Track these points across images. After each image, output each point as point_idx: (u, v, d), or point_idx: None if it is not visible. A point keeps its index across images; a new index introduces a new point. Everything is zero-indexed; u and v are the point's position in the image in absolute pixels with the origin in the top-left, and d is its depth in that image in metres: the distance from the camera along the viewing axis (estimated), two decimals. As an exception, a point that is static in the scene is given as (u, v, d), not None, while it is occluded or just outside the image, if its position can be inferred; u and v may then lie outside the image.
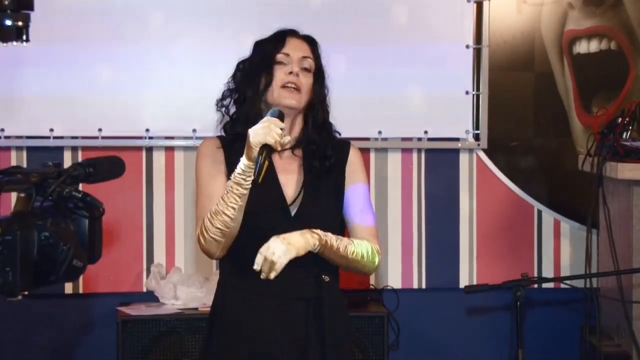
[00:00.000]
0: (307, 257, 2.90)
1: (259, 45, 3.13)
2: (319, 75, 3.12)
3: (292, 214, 3.00)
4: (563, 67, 5.11)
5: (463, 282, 5.07)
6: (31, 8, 1.83)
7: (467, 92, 5.01)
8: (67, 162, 4.87)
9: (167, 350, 4.57)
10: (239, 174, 2.85)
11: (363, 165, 3.16)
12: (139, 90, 4.88)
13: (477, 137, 5.05)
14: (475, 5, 5.01)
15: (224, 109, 3.12)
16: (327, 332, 2.97)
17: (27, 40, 1.82)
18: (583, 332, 4.70)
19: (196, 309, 4.69)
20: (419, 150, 5.08)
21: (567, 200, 5.14)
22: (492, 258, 5.09)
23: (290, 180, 3.05)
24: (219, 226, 2.88)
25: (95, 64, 4.83)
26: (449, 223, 5.10)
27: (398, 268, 5.08)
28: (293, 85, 3.02)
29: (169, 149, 4.96)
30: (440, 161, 5.07)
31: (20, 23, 1.82)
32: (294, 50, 3.07)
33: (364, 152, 4.72)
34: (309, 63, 3.08)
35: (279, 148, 2.88)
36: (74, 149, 4.90)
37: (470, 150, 5.08)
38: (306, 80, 3.05)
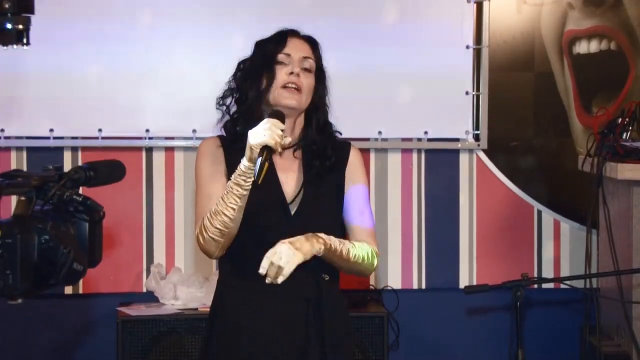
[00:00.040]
0: (308, 257, 2.91)
1: (260, 45, 3.12)
2: (319, 75, 3.11)
3: (292, 212, 3.00)
4: (563, 67, 5.11)
5: (463, 282, 5.07)
6: (32, 11, 1.84)
7: (467, 93, 5.01)
8: (67, 162, 4.88)
9: (167, 350, 4.57)
10: (239, 175, 2.85)
11: (363, 166, 3.16)
12: (139, 90, 4.89)
13: (477, 138, 5.06)
14: (475, 5, 5.01)
15: (224, 108, 3.12)
16: (327, 332, 2.97)
17: (28, 43, 1.82)
18: (583, 332, 4.71)
19: (196, 309, 4.69)
20: (419, 151, 5.08)
21: (567, 200, 5.14)
22: (492, 258, 5.09)
23: (290, 179, 3.05)
24: (218, 226, 2.88)
25: (95, 64, 4.83)
26: (449, 223, 5.10)
27: (398, 268, 5.08)
28: (294, 86, 3.02)
29: (169, 149, 4.97)
30: (440, 161, 5.08)
31: (20, 26, 1.82)
32: (295, 50, 3.07)
33: (364, 152, 4.73)
34: (310, 63, 3.08)
35: (280, 149, 2.88)
36: (74, 149, 4.90)
37: (470, 151, 5.08)
38: (307, 81, 3.05)
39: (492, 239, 5.11)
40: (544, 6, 5.09)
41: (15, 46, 1.81)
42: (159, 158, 4.96)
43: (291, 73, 3.02)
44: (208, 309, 3.16)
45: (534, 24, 5.10)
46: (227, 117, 3.11)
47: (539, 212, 5.15)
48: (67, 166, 4.80)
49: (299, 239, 2.87)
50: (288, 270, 2.82)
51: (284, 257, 2.82)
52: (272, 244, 2.88)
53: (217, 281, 3.12)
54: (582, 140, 5.00)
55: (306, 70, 3.06)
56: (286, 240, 2.85)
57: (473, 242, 5.10)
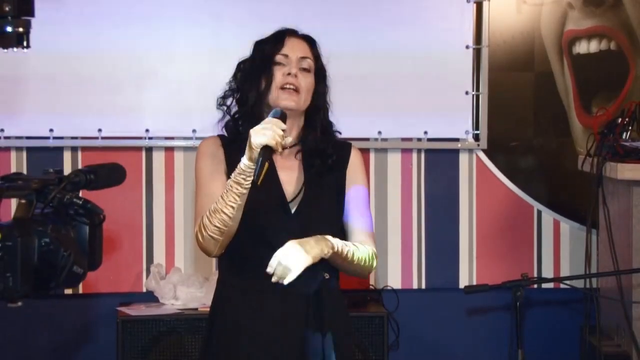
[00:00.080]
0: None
1: (258, 45, 3.11)
2: (319, 74, 3.11)
3: (292, 211, 3.00)
4: (563, 67, 5.11)
5: (463, 282, 5.07)
6: (32, 14, 1.84)
7: (467, 92, 5.01)
8: (67, 162, 4.88)
9: (167, 350, 4.57)
10: (238, 173, 2.84)
11: (364, 167, 3.16)
12: (139, 90, 4.89)
13: (477, 138, 5.05)
14: (475, 5, 5.01)
15: (225, 108, 3.11)
16: (327, 331, 2.97)
17: (28, 46, 1.82)
18: (583, 332, 4.71)
19: (196, 309, 4.69)
20: (419, 151, 5.08)
21: (567, 200, 5.14)
22: (492, 258, 5.09)
23: (290, 178, 3.05)
24: (218, 224, 2.87)
25: (95, 64, 4.83)
26: (449, 223, 5.10)
27: (398, 268, 5.08)
28: (292, 87, 3.01)
29: (169, 149, 4.97)
30: (440, 161, 5.08)
31: (20, 29, 1.82)
32: (293, 50, 3.06)
33: (364, 152, 4.73)
34: (308, 63, 3.07)
35: (280, 149, 2.87)
36: (74, 149, 4.90)
37: (470, 151, 5.08)
38: (305, 81, 3.04)
39: (492, 239, 5.11)
40: (544, 6, 5.09)
41: (15, 49, 1.81)
42: (158, 158, 4.96)
43: (289, 74, 3.02)
44: (208, 309, 3.16)
45: (534, 24, 5.09)
46: (227, 117, 3.11)
47: (539, 212, 5.15)
48: (67, 166, 4.84)
49: (309, 242, 2.87)
50: (296, 272, 2.81)
51: (293, 259, 2.82)
52: (271, 243, 2.89)
53: (217, 281, 3.12)
54: (582, 140, 5.00)
55: (304, 70, 3.05)
56: (296, 242, 2.84)
57: (473, 242, 5.10)
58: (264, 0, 4.90)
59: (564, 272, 5.11)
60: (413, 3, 4.98)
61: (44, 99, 4.82)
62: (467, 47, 5.00)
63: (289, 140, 2.98)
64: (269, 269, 2.82)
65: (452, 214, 5.10)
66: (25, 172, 4.84)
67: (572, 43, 5.10)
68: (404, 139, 5.05)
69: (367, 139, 4.97)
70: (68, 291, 4.88)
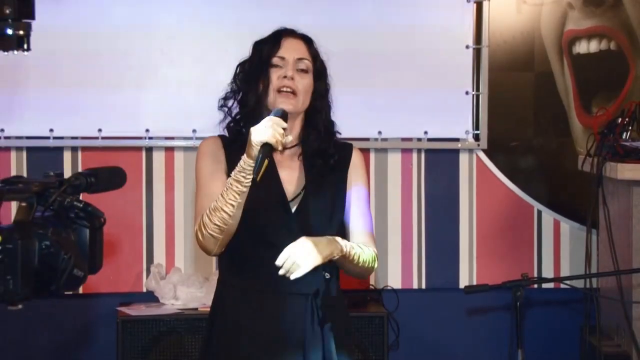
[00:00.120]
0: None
1: (257, 46, 3.11)
2: (318, 73, 3.09)
3: (293, 210, 3.00)
4: (563, 67, 5.11)
5: (463, 282, 5.07)
6: (32, 17, 1.84)
7: (467, 92, 5.01)
8: (67, 162, 4.88)
9: (167, 350, 4.57)
10: (239, 171, 2.84)
11: (365, 169, 3.16)
12: (139, 90, 4.88)
13: (477, 138, 5.05)
14: (475, 5, 5.01)
15: (225, 109, 3.11)
16: (328, 330, 2.97)
17: (29, 49, 1.82)
18: (583, 332, 4.71)
19: (196, 309, 4.70)
20: (419, 151, 5.08)
21: (567, 200, 5.14)
22: (492, 258, 5.09)
23: (291, 177, 3.04)
24: (217, 222, 2.87)
25: (95, 64, 4.83)
26: (449, 223, 5.10)
27: (398, 268, 5.08)
28: (288, 90, 3.00)
29: (169, 149, 4.97)
30: (440, 161, 5.08)
31: (21, 32, 1.82)
32: (289, 52, 3.04)
33: (364, 152, 4.70)
34: (306, 64, 3.06)
35: (280, 147, 2.87)
36: (74, 149, 4.90)
37: (470, 151, 5.08)
38: (303, 82, 3.03)
39: (492, 239, 5.11)
40: (544, 6, 5.09)
41: (15, 52, 1.82)
42: (158, 158, 4.96)
43: (285, 77, 3.01)
44: (208, 309, 3.16)
45: (534, 24, 5.09)
46: (228, 118, 3.11)
47: (539, 212, 5.15)
48: (67, 166, 4.85)
49: (322, 241, 2.88)
50: (305, 269, 2.83)
51: (304, 256, 2.83)
52: (272, 242, 2.90)
53: (217, 280, 3.12)
54: (582, 140, 5.00)
55: (302, 71, 3.04)
56: (310, 239, 2.85)
57: (473, 242, 5.10)
58: (265, 1, 4.90)
59: (564, 272, 5.11)
60: (413, 3, 4.98)
61: (44, 99, 4.82)
62: (467, 47, 5.00)
63: (290, 138, 2.97)
64: (279, 261, 2.83)
65: (452, 214, 5.10)
66: (25, 172, 4.84)
67: (572, 43, 5.10)
68: (404, 139, 5.05)
69: (367, 139, 4.97)
70: (68, 291, 4.88)
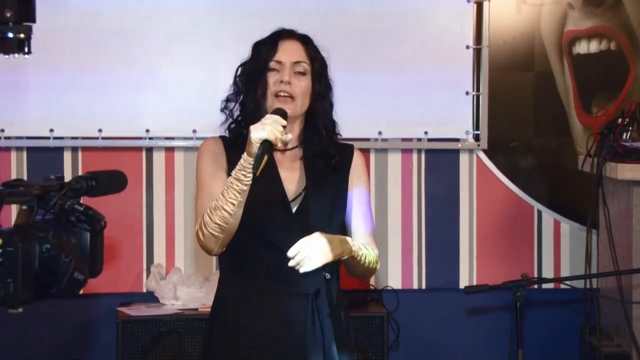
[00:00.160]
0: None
1: (255, 47, 3.10)
2: (316, 74, 3.08)
3: (293, 210, 3.00)
4: (563, 68, 5.11)
5: (463, 282, 5.07)
6: (33, 20, 1.84)
7: (467, 93, 5.01)
8: (67, 162, 4.88)
9: (167, 350, 4.57)
10: (239, 169, 2.84)
11: (366, 170, 3.16)
12: (139, 90, 4.88)
13: (477, 138, 5.05)
14: (475, 5, 5.01)
15: (227, 111, 3.11)
16: (328, 330, 2.97)
17: (29, 52, 1.82)
18: (583, 333, 4.71)
19: (196, 309, 4.70)
20: (419, 151, 5.08)
21: (567, 200, 5.14)
22: (492, 258, 5.09)
23: (292, 177, 3.04)
24: (218, 222, 2.87)
25: (95, 64, 4.83)
26: (449, 223, 5.10)
27: (398, 268, 5.08)
28: (286, 94, 3.00)
29: (169, 150, 4.97)
30: (440, 161, 5.08)
31: (22, 35, 1.83)
32: (287, 55, 3.03)
33: (364, 152, 4.70)
34: (303, 67, 3.04)
35: (280, 145, 2.87)
36: (74, 149, 4.90)
37: (470, 151, 5.08)
38: (300, 85, 3.02)
39: (492, 239, 5.11)
40: (544, 6, 5.09)
41: (16, 55, 1.82)
42: (159, 158, 4.96)
43: (282, 82, 3.00)
44: (208, 309, 3.17)
45: (534, 24, 5.09)
46: (230, 120, 3.11)
47: (539, 212, 5.15)
48: (67, 166, 4.85)
49: (335, 240, 2.88)
50: (316, 264, 2.83)
51: (317, 251, 2.83)
52: (272, 242, 2.91)
53: (218, 280, 3.13)
54: (582, 140, 5.00)
55: (299, 74, 3.03)
56: (324, 235, 2.86)
57: (473, 242, 5.11)
58: (265, 1, 4.90)
59: (564, 272, 5.11)
60: (413, 3, 4.98)
61: (44, 99, 4.82)
62: (467, 47, 5.00)
63: (289, 136, 2.96)
64: (291, 252, 2.82)
65: (452, 214, 5.10)
66: (25, 172, 4.84)
67: (572, 43, 5.10)
68: (404, 139, 5.06)
69: (367, 139, 4.97)
70: (68, 291, 4.88)
